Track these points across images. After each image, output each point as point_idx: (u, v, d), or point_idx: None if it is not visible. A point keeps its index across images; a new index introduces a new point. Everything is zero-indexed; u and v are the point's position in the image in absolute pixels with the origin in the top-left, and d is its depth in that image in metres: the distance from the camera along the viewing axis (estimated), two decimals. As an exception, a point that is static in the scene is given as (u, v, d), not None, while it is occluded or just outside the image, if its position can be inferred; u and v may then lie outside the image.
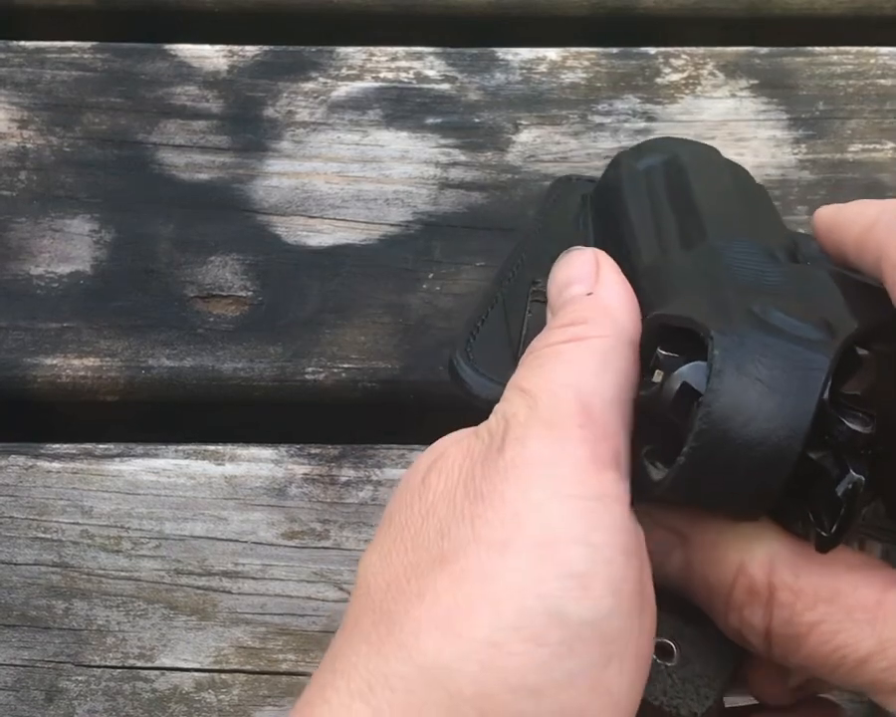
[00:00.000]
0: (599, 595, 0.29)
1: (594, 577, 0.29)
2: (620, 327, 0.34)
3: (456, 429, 0.35)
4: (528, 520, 0.29)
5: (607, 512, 0.30)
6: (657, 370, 0.33)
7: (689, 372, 0.32)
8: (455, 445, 0.33)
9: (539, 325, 0.38)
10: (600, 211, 0.42)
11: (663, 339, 0.34)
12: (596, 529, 0.29)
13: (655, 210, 0.40)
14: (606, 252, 0.39)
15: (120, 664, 0.48)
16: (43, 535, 0.50)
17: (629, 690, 0.29)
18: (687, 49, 0.59)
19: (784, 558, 0.31)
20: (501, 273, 0.43)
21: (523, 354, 0.38)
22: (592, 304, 0.35)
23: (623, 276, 0.36)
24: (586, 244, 0.41)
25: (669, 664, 0.34)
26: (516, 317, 0.41)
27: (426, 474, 0.33)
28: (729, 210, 0.39)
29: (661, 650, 0.34)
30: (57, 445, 0.51)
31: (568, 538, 0.29)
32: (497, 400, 0.36)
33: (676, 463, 0.31)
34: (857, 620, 0.30)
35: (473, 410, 0.36)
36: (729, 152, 0.57)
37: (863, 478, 0.31)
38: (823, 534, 0.31)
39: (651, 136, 0.57)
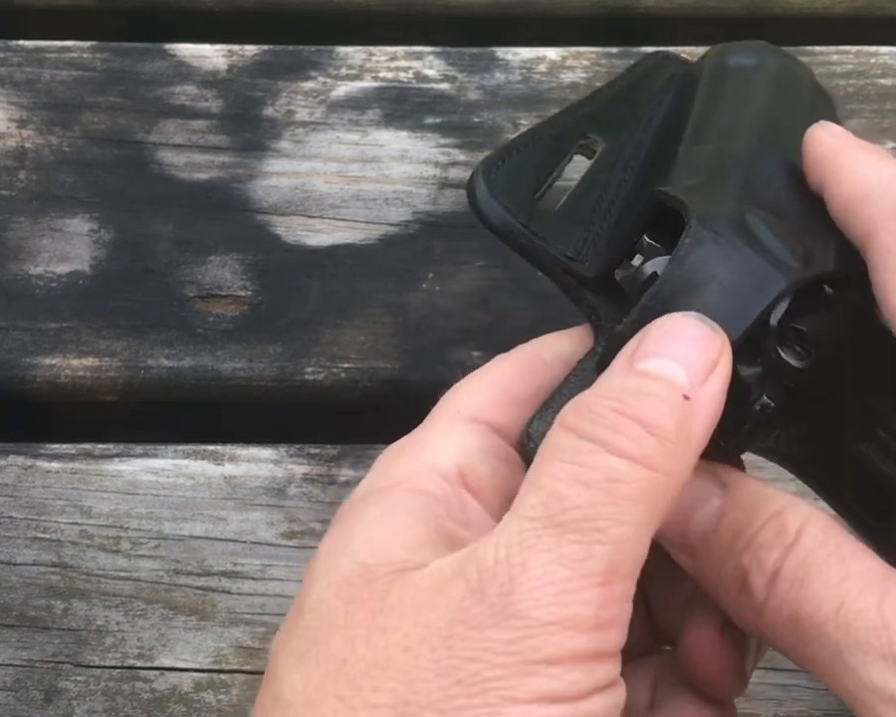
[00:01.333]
0: None
1: None
2: (685, 469, 0.29)
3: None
4: None
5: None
6: (638, 255, 0.34)
7: (662, 264, 0.32)
8: (430, 579, 0.28)
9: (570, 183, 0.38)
10: (679, 93, 0.42)
11: (659, 220, 0.34)
12: None
13: (719, 106, 0.39)
14: (664, 136, 0.39)
15: (120, 664, 0.48)
16: (42, 535, 0.50)
17: None
18: (687, 49, 0.59)
19: (821, 518, 0.31)
20: (556, 116, 0.41)
21: (542, 197, 0.38)
22: (682, 415, 0.28)
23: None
24: (651, 123, 0.40)
25: None
26: (551, 159, 0.40)
27: (386, 608, 0.28)
28: (786, 126, 0.38)
29: None
30: (56, 445, 0.51)
31: None
32: (504, 230, 0.36)
33: (612, 331, 0.31)
34: (867, 586, 0.29)
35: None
36: (729, 152, 0.57)
37: (772, 404, 0.32)
38: (720, 443, 0.31)
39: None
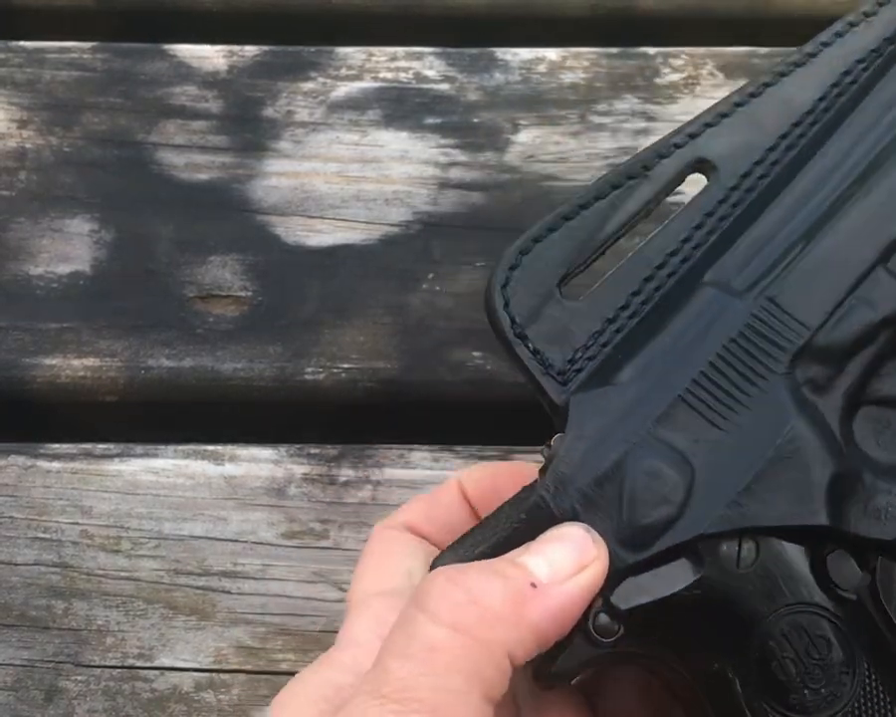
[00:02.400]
0: None
1: None
2: (516, 639, 0.32)
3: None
4: None
5: None
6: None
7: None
8: None
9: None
10: None
11: None
12: None
13: None
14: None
15: (120, 664, 0.48)
16: (42, 535, 0.50)
17: None
18: (686, 49, 0.59)
19: None
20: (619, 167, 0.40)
21: (570, 280, 0.38)
22: (509, 605, 0.31)
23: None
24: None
25: None
26: (590, 230, 0.39)
27: None
28: None
29: None
30: (56, 445, 0.51)
31: None
32: (502, 340, 0.37)
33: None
34: None
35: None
36: (728, 152, 0.57)
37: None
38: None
39: (651, 137, 0.57)
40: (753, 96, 0.39)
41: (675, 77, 0.59)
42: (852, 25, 0.40)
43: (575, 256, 0.39)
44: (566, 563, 0.32)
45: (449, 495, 0.39)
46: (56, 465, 0.51)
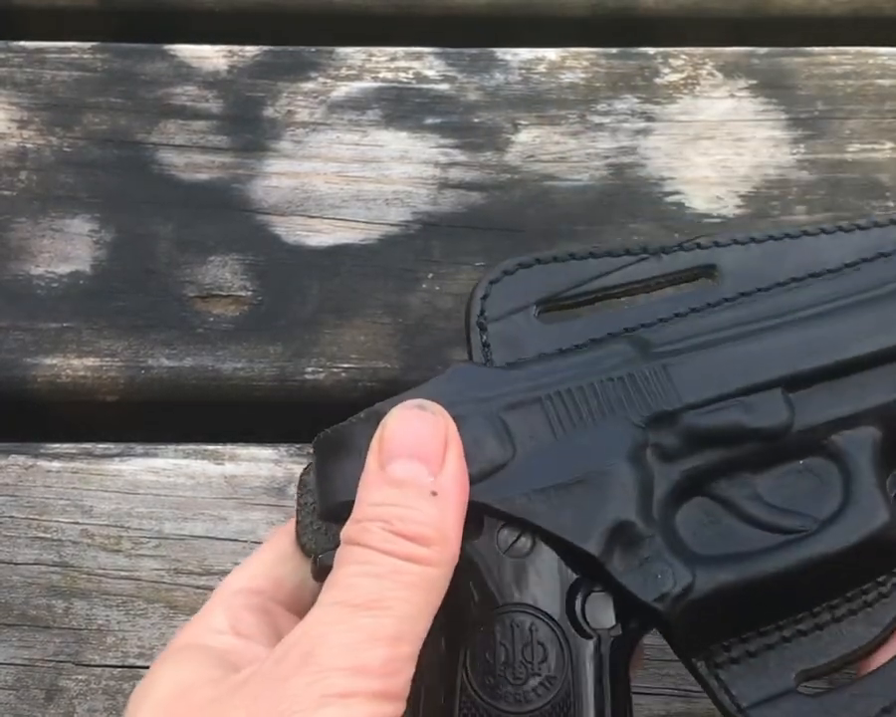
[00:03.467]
0: None
1: None
2: (453, 555, 0.35)
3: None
4: None
5: None
6: None
7: None
8: (243, 674, 0.34)
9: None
10: None
11: None
12: None
13: None
14: None
15: (120, 663, 0.48)
16: (43, 534, 0.50)
17: None
18: (686, 49, 0.60)
19: None
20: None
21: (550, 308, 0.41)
22: (437, 516, 0.35)
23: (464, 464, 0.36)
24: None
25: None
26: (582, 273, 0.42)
27: (211, 700, 0.34)
28: None
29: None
30: (57, 445, 0.51)
31: None
32: (468, 335, 0.40)
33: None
34: None
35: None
36: (728, 152, 0.57)
37: None
38: None
39: (650, 137, 0.57)
40: (789, 236, 0.42)
41: (674, 77, 0.59)
42: (894, 221, 0.42)
43: (566, 290, 0.41)
44: (433, 451, 0.35)
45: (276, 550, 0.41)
46: (56, 465, 0.51)
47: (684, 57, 0.59)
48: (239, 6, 0.62)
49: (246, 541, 0.50)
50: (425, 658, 0.34)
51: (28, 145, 0.57)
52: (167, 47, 0.60)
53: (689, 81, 0.59)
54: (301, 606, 0.39)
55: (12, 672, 0.47)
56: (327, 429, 0.39)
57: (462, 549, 0.35)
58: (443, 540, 0.34)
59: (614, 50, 0.60)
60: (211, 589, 0.49)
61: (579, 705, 0.35)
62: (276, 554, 0.40)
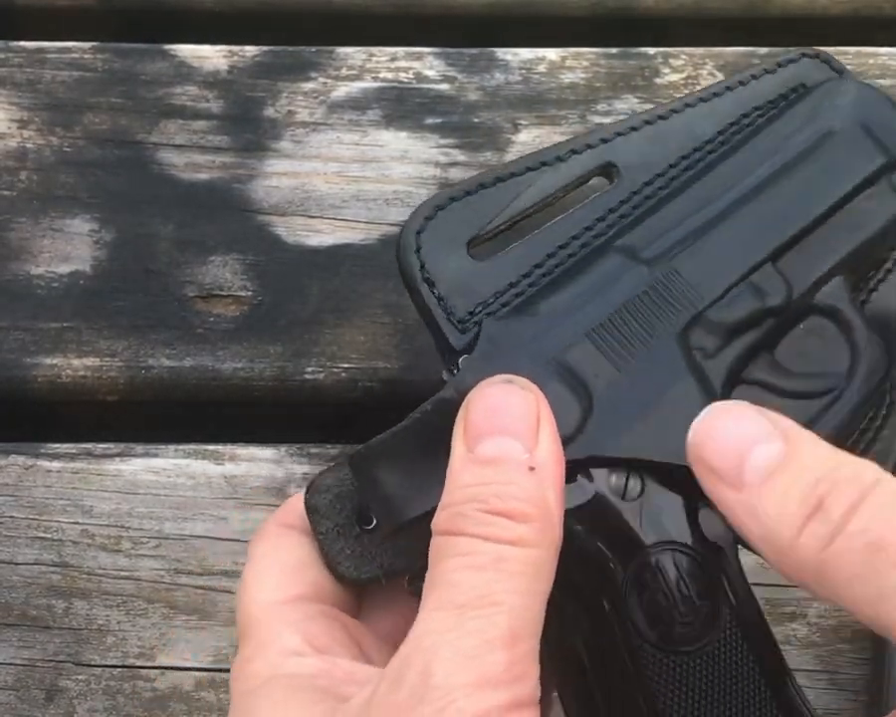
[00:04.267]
0: None
1: None
2: (557, 534, 0.33)
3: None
4: None
5: None
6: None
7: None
8: (358, 699, 0.31)
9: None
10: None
11: None
12: None
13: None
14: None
15: (121, 663, 0.48)
16: (43, 534, 0.50)
17: None
18: (686, 49, 0.59)
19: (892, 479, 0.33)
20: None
21: (481, 241, 0.41)
22: (536, 490, 0.32)
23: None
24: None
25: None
26: (499, 202, 0.43)
27: None
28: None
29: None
30: (57, 445, 0.51)
31: None
32: (407, 283, 0.40)
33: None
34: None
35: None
36: (728, 152, 0.57)
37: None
38: None
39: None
40: (661, 118, 0.44)
41: (675, 77, 0.59)
42: (754, 77, 0.45)
43: (486, 223, 0.42)
44: (526, 426, 0.33)
45: None
46: (56, 465, 0.51)
47: (684, 57, 0.59)
48: (239, 6, 0.62)
49: (246, 541, 0.49)
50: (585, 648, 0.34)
51: (28, 145, 0.57)
52: (167, 47, 0.60)
53: (689, 81, 0.59)
54: (349, 605, 0.37)
55: (12, 672, 0.47)
56: (360, 448, 0.37)
57: (576, 516, 0.34)
58: (545, 516, 0.32)
59: (614, 50, 0.60)
60: (212, 588, 0.49)
61: (745, 619, 0.35)
62: (295, 558, 0.37)
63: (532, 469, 0.32)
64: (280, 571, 0.37)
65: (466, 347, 0.39)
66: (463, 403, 0.34)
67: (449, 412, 0.35)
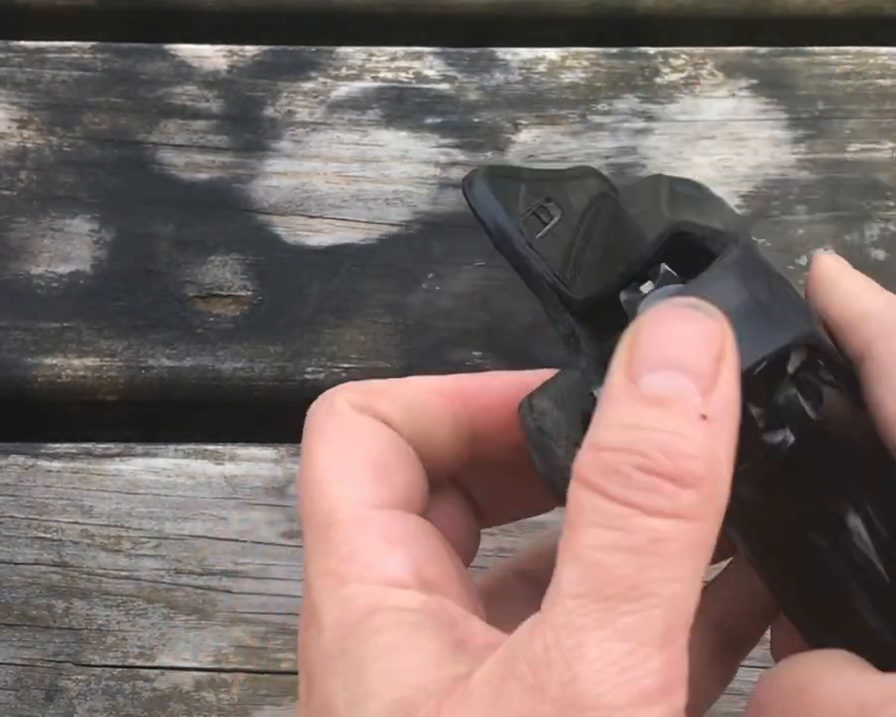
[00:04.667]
0: None
1: None
2: (724, 501, 0.26)
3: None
4: None
5: None
6: (648, 282, 0.33)
7: (677, 291, 0.31)
8: (479, 694, 0.26)
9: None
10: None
11: (671, 253, 0.33)
12: None
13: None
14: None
15: (120, 664, 0.48)
16: (43, 534, 0.50)
17: None
18: (686, 49, 0.59)
19: None
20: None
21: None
22: (707, 447, 0.26)
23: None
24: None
25: None
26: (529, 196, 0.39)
27: None
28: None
29: None
30: (57, 445, 0.51)
31: None
32: (501, 230, 0.36)
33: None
34: None
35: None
36: (728, 152, 0.57)
37: (791, 440, 0.31)
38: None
39: (651, 137, 0.57)
40: None
41: (675, 76, 0.59)
42: None
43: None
44: (704, 361, 0.26)
45: (421, 384, 0.33)
46: (56, 465, 0.51)
47: (684, 56, 0.59)
48: (239, 6, 0.62)
49: (246, 541, 0.50)
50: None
51: (28, 145, 0.57)
52: (167, 46, 0.60)
53: (689, 80, 0.59)
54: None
55: (12, 672, 0.47)
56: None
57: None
58: (715, 480, 0.26)
59: (614, 50, 0.60)
60: (212, 588, 0.49)
61: None
62: (383, 453, 0.31)
63: (703, 418, 0.26)
64: (369, 464, 0.30)
65: (593, 295, 0.35)
66: (630, 327, 0.27)
67: None
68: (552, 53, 0.59)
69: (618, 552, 0.25)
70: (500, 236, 0.37)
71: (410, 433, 0.32)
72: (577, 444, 0.28)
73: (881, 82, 0.59)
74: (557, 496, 0.30)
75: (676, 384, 0.26)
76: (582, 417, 0.32)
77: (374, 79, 0.59)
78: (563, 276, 0.37)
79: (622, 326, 0.28)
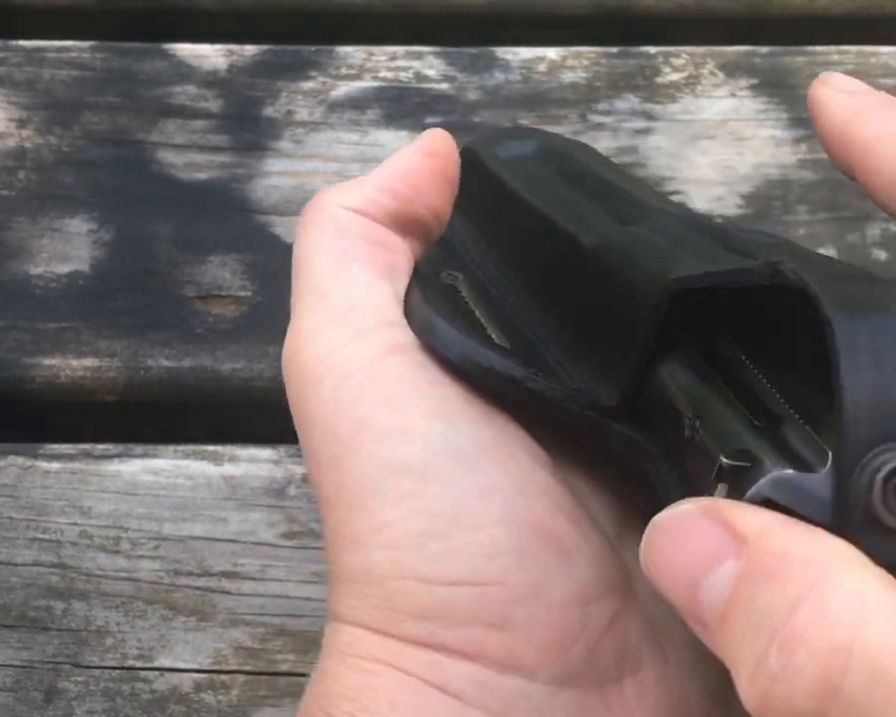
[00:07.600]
0: None
1: None
2: None
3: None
4: None
5: None
6: (720, 484, 0.26)
7: (770, 488, 0.24)
8: None
9: None
10: (475, 202, 0.38)
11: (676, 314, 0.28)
12: None
13: (560, 195, 0.36)
14: (497, 251, 0.36)
15: (119, 665, 0.48)
16: (41, 535, 0.50)
17: None
18: (687, 48, 0.59)
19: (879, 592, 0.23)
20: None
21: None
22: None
23: None
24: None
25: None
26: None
27: None
28: (641, 188, 0.38)
29: None
30: (55, 445, 0.51)
31: None
32: (502, 372, 0.30)
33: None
34: None
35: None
36: (728, 152, 0.57)
37: None
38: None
39: (651, 137, 0.57)
40: None
41: (675, 76, 0.59)
42: None
43: None
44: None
45: (413, 160, 0.34)
46: (55, 465, 0.51)
47: (685, 56, 0.59)
48: (239, 5, 0.62)
49: (245, 542, 0.49)
50: None
51: (27, 145, 0.57)
52: (166, 46, 0.60)
53: (690, 80, 0.59)
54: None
55: (10, 674, 0.47)
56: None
57: None
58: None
59: (615, 49, 0.59)
60: (211, 590, 0.49)
61: None
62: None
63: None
64: (363, 241, 0.33)
65: (626, 391, 0.30)
66: None
67: None
68: (552, 52, 0.59)
69: None
70: (499, 380, 0.31)
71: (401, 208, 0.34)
72: None
73: (883, 81, 0.58)
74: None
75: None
76: None
77: (374, 78, 0.59)
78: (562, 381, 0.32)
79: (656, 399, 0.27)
